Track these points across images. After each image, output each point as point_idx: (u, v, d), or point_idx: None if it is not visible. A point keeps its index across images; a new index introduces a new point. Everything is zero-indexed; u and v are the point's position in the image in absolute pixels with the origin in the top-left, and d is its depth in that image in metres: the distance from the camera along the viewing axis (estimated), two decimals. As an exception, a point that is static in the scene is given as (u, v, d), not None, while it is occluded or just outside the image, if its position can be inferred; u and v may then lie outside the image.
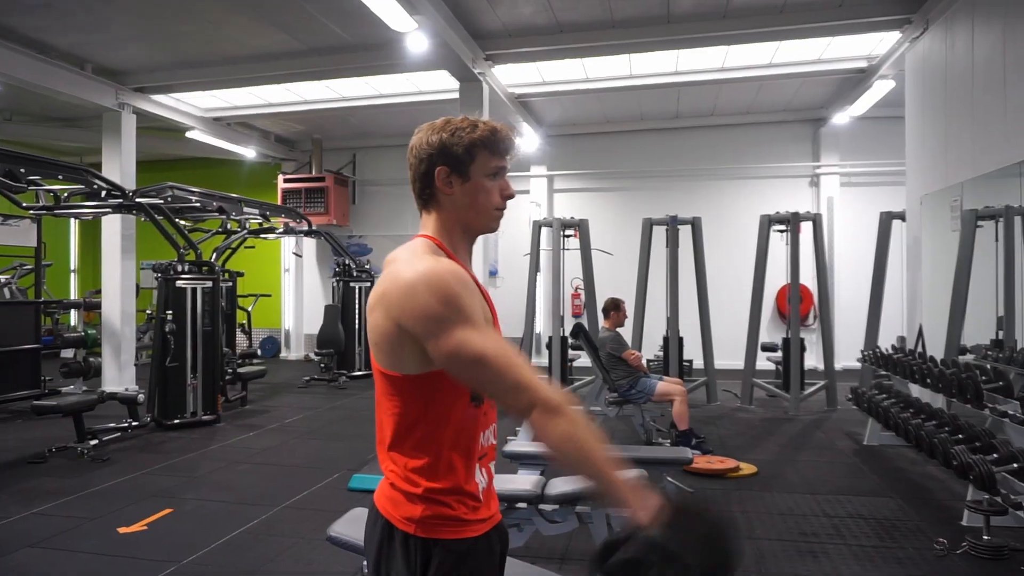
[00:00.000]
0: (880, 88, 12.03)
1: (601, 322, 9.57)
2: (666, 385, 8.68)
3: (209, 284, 10.45)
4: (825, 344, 11.51)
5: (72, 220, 18.99)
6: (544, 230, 12.47)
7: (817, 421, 10.31)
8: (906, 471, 7.65)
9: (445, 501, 1.99)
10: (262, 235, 14.82)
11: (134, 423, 9.42)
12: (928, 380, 6.96)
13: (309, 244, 18.16)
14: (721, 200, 15.63)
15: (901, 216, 10.47)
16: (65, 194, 10.20)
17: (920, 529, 5.83)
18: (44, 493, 6.98)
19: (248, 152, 16.86)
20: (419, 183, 2.13)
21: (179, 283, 10.16)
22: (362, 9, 8.82)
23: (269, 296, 17.61)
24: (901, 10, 9.62)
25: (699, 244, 11.98)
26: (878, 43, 11.11)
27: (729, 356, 13.30)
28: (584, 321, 11.52)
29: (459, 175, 2.08)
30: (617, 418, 8.89)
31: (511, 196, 2.19)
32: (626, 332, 9.61)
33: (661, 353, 12.42)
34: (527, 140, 15.37)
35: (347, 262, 15.30)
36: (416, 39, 9.62)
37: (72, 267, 20.33)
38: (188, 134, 14.97)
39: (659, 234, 12.04)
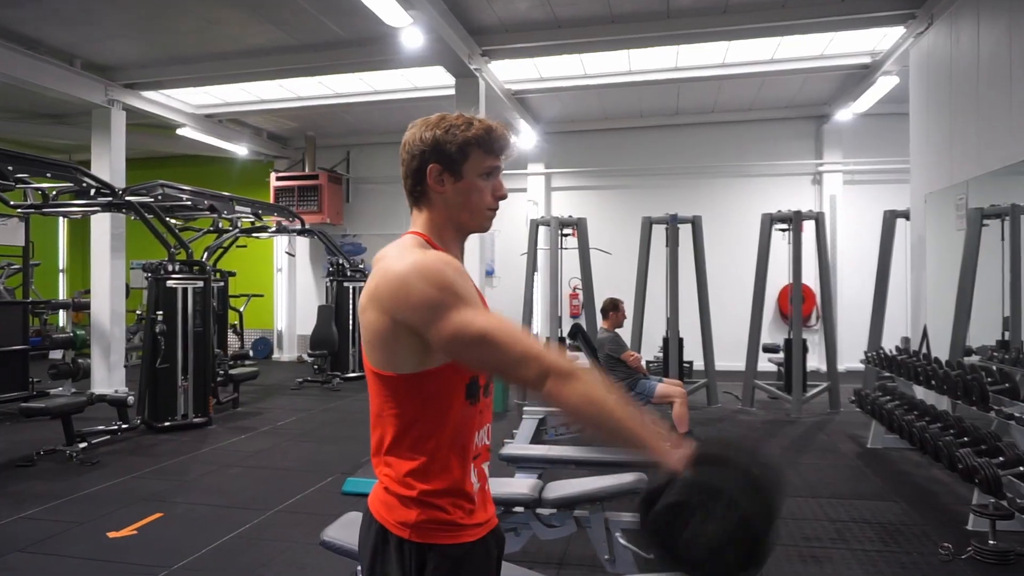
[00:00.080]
0: (884, 84, 12.04)
1: (600, 323, 9.57)
2: (666, 387, 8.68)
3: (200, 284, 10.43)
4: (828, 345, 11.50)
5: (61, 219, 18.99)
6: (542, 229, 12.47)
7: (820, 423, 10.30)
8: (910, 474, 7.64)
9: (440, 504, 1.99)
10: (254, 234, 14.79)
11: (124, 426, 9.38)
12: (933, 382, 6.95)
13: (302, 243, 18.15)
14: (722, 198, 15.64)
15: (905, 215, 10.47)
16: (54, 192, 10.20)
17: (925, 534, 5.82)
18: (32, 497, 6.96)
19: (240, 149, 16.87)
20: (411, 180, 2.12)
21: (170, 283, 10.14)
22: (356, 4, 8.81)
23: (261, 296, 17.61)
24: (905, 5, 9.62)
25: (699, 243, 11.98)
26: (882, 38, 11.13)
27: (730, 357, 13.30)
28: (582, 322, 11.53)
29: (451, 173, 2.07)
30: (616, 420, 8.87)
31: (504, 197, 2.18)
32: (625, 333, 9.61)
33: (661, 354, 12.41)
34: (524, 137, 15.38)
35: (341, 261, 15.27)
36: (411, 34, 9.62)
37: (61, 267, 20.32)
38: (179, 131, 14.96)
39: (659, 233, 12.03)
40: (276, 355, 18.73)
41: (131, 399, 9.52)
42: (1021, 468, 5.25)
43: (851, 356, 13.41)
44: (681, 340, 11.59)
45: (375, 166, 18.07)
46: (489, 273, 16.11)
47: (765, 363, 12.32)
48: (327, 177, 17.34)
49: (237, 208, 12.92)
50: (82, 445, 8.56)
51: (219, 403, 11.17)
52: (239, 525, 6.15)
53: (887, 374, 8.96)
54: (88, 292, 13.16)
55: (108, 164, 12.41)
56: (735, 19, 10.29)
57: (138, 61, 12.30)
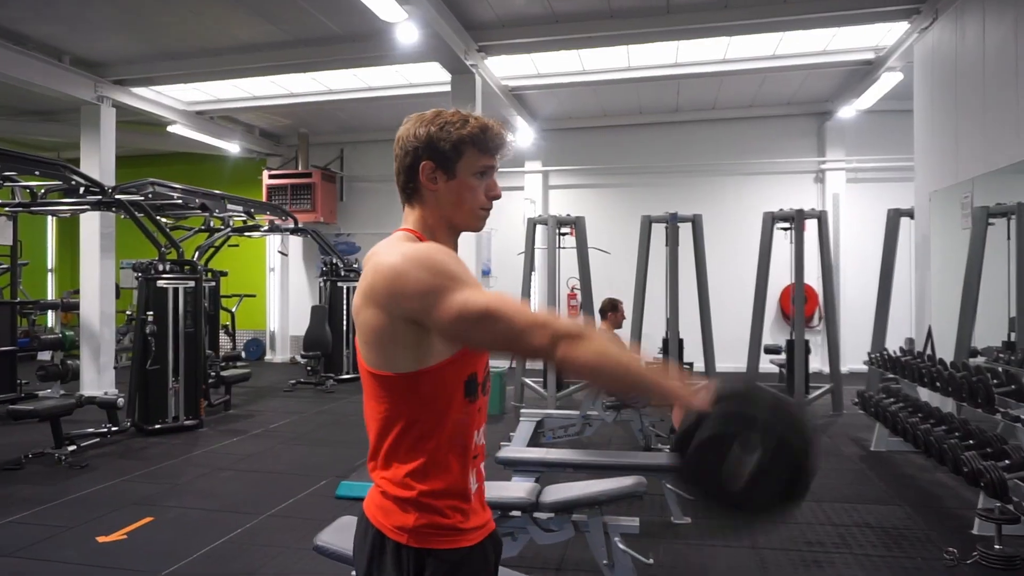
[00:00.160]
0: (888, 80, 12.06)
1: (598, 323, 9.56)
2: (666, 389, 8.65)
3: (191, 284, 10.41)
4: (830, 346, 11.49)
5: (49, 217, 18.97)
6: (539, 228, 12.47)
7: (822, 426, 10.29)
8: (915, 478, 7.65)
9: (438, 507, 1.99)
10: (246, 233, 14.79)
11: (114, 428, 9.37)
12: (937, 383, 6.95)
13: (295, 242, 18.16)
14: (723, 197, 15.65)
15: (909, 213, 10.48)
16: (42, 190, 10.19)
17: (929, 538, 5.82)
18: (20, 501, 6.95)
19: (232, 147, 16.87)
20: (403, 176, 2.12)
21: (160, 283, 10.11)
22: (350, -2, 8.83)
23: (254, 296, 17.61)
24: (909, 0, 9.64)
25: (700, 242, 11.96)
26: (886, 34, 11.13)
27: (731, 358, 13.30)
28: (581, 322, 11.51)
29: (444, 171, 2.07)
30: (615, 423, 8.86)
31: (497, 197, 2.17)
32: (624, 334, 9.61)
33: (660, 355, 12.42)
34: (522, 134, 15.38)
35: (334, 261, 15.26)
36: (406, 29, 9.62)
37: (49, 266, 20.29)
38: (170, 128, 14.96)
39: (658, 232, 12.01)
40: (268, 356, 18.74)
41: (121, 401, 9.49)
42: (1027, 471, 5.26)
43: (854, 357, 13.41)
44: (681, 341, 11.57)
45: (369, 164, 18.08)
46: (485, 273, 16.10)
47: (767, 364, 12.32)
48: (320, 175, 17.33)
49: (229, 207, 12.89)
50: (71, 448, 8.55)
51: (210, 405, 11.15)
52: (231, 529, 6.14)
53: (891, 376, 8.95)
54: (77, 292, 13.15)
55: (97, 162, 12.39)
56: (736, 14, 10.28)
57: (128, 57, 12.28)
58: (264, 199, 16.84)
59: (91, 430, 9.17)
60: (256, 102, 14.91)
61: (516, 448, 7.06)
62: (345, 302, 15.01)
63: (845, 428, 10.07)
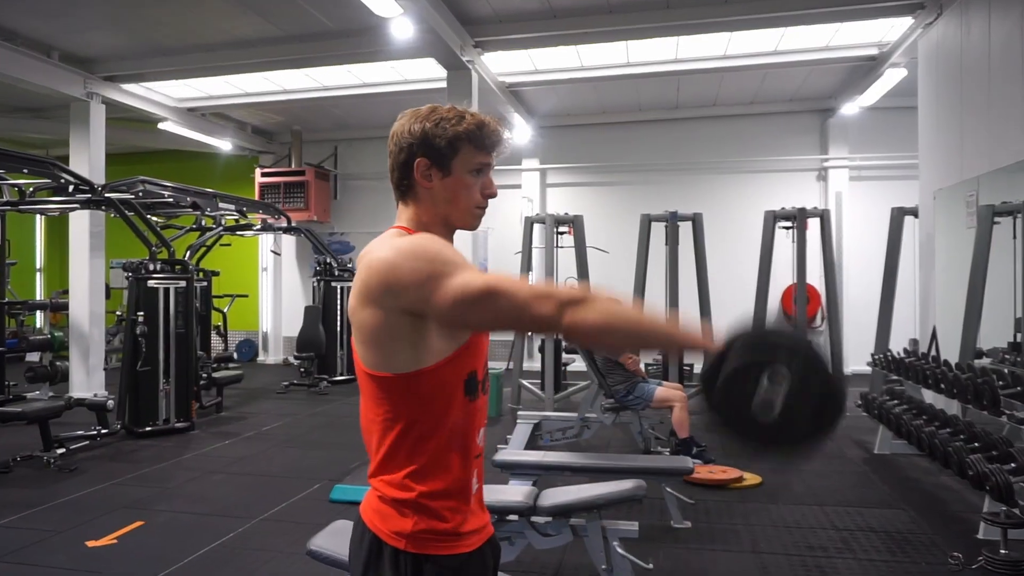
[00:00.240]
0: (891, 77, 12.07)
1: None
2: (665, 391, 8.65)
3: (182, 284, 10.39)
4: (833, 347, 11.46)
5: (38, 216, 18.94)
6: (537, 227, 12.45)
7: (825, 428, 10.26)
8: (919, 481, 7.65)
9: (438, 509, 1.99)
10: (238, 232, 14.80)
11: (103, 431, 9.34)
12: (942, 385, 6.95)
13: (288, 241, 18.16)
14: (723, 195, 15.66)
15: (914, 212, 10.47)
16: (30, 189, 10.20)
17: (934, 543, 5.82)
18: (8, 505, 6.94)
19: (224, 144, 16.86)
20: (397, 173, 2.12)
21: (151, 283, 10.10)
22: (344, -7, 8.83)
23: (246, 296, 17.58)
24: (913, -6, 9.66)
25: (700, 242, 11.95)
26: (889, 29, 11.14)
27: (732, 360, 13.31)
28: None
29: (439, 169, 2.07)
30: (614, 425, 8.86)
31: (493, 195, 2.17)
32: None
33: (660, 357, 12.41)
34: (519, 132, 15.39)
35: (328, 260, 15.25)
36: (401, 25, 9.63)
37: (38, 266, 20.25)
38: (160, 125, 14.94)
39: (658, 231, 12.01)
40: (261, 357, 18.72)
41: (111, 403, 9.48)
42: (1034, 474, 5.26)
43: (857, 358, 13.40)
44: (681, 342, 11.53)
45: (364, 162, 18.07)
46: (482, 272, 16.09)
47: (768, 366, 12.32)
48: (314, 173, 17.32)
49: (221, 205, 12.87)
50: (60, 451, 8.53)
51: (202, 407, 11.15)
52: (223, 534, 6.13)
53: (895, 377, 8.94)
54: (66, 292, 13.13)
55: (87, 160, 12.35)
56: (737, 9, 10.28)
57: (118, 53, 12.28)
58: (256, 197, 16.85)
59: (80, 433, 9.15)
60: (249, 99, 14.90)
61: (513, 451, 7.06)
62: (339, 302, 15.01)
63: (848, 430, 10.06)
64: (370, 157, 17.91)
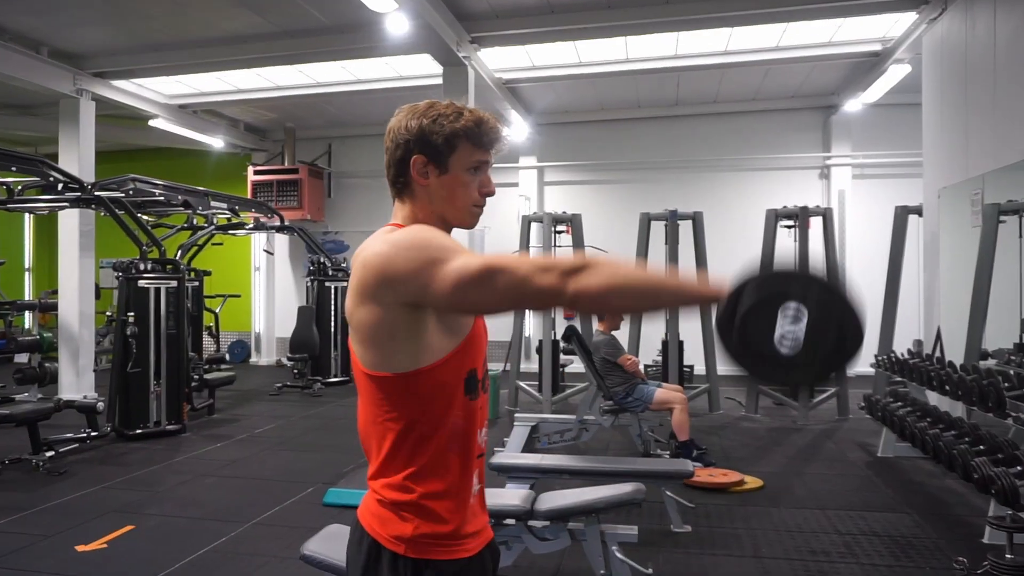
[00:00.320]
0: (895, 73, 12.07)
1: (595, 325, 9.55)
2: (665, 392, 8.66)
3: (174, 284, 10.37)
4: (836, 348, 11.47)
5: (26, 215, 18.92)
6: (534, 225, 12.44)
7: (827, 431, 10.30)
8: (923, 485, 7.65)
9: (439, 511, 1.98)
10: (231, 231, 14.79)
11: (93, 433, 9.35)
12: (947, 387, 6.94)
13: (281, 241, 18.17)
14: (724, 193, 15.66)
15: (918, 211, 10.48)
16: (19, 187, 10.16)
17: (938, 547, 5.83)
18: (-5, 509, 6.97)
19: (216, 142, 16.84)
20: (393, 169, 2.11)
21: (141, 283, 10.09)
22: (339, -13, 8.82)
23: (238, 297, 17.60)
24: (917, -11, 9.66)
25: (700, 241, 11.97)
26: (893, 24, 11.15)
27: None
28: (577, 324, 11.49)
29: (436, 166, 2.06)
30: (613, 428, 8.86)
31: (491, 193, 2.17)
32: (622, 335, 9.58)
33: (660, 358, 12.41)
34: (516, 129, 15.39)
35: (322, 260, 15.25)
36: (396, 20, 9.62)
37: (27, 265, 20.24)
38: (151, 122, 14.93)
39: (657, 230, 12.02)
40: (254, 359, 18.73)
41: (101, 405, 9.47)
42: (1040, 477, 5.26)
43: (861, 360, 13.40)
44: (681, 343, 11.57)
45: (358, 159, 18.08)
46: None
47: (770, 367, 12.33)
48: (307, 171, 17.32)
49: (213, 203, 12.87)
50: (49, 454, 8.52)
51: (193, 409, 11.14)
52: (214, 538, 6.12)
53: (898, 379, 8.94)
54: (55, 292, 13.12)
55: (76, 157, 12.37)
56: (738, 4, 10.28)
57: (108, 48, 12.28)
58: (249, 195, 16.87)
59: (70, 435, 9.15)
60: (241, 95, 14.87)
61: (510, 454, 7.07)
62: (333, 302, 15.02)
63: (851, 433, 10.08)
64: (365, 155, 17.91)
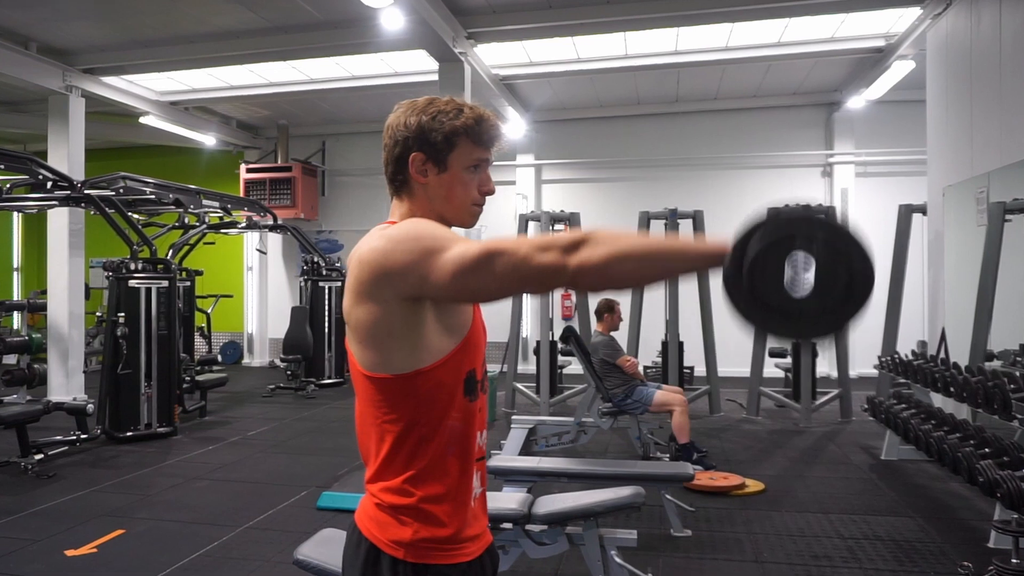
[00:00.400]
0: (899, 69, 12.07)
1: (594, 325, 9.55)
2: (665, 394, 8.66)
3: (165, 284, 10.37)
4: (838, 349, 11.50)
5: (15, 214, 18.90)
6: (531, 224, 12.44)
7: (830, 434, 10.31)
8: (927, 488, 7.66)
9: (438, 514, 1.98)
10: (223, 230, 14.77)
11: (83, 436, 9.34)
12: (951, 389, 6.94)
13: (274, 240, 18.13)
14: (725, 192, 15.64)
15: (922, 209, 10.48)
16: (7, 185, 10.14)
17: (943, 552, 5.83)
18: (-18, 513, 6.96)
19: (208, 139, 16.83)
20: (392, 167, 2.11)
21: (132, 283, 10.09)
22: (333, -18, 8.81)
23: (231, 297, 17.59)
24: (922, -16, 9.67)
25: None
26: (897, 20, 11.15)
27: (734, 363, 13.32)
28: (575, 324, 11.50)
29: (436, 164, 2.06)
30: (612, 430, 8.87)
31: (490, 192, 2.17)
32: (621, 336, 9.58)
33: (659, 359, 12.41)
34: (513, 126, 15.40)
35: (316, 259, 15.22)
36: (391, 15, 9.61)
37: (15, 265, 20.18)
38: (142, 119, 14.92)
39: (657, 229, 11.99)
40: (246, 360, 18.70)
41: (91, 407, 9.46)
42: (1046, 481, 5.26)
43: (864, 361, 13.41)
44: (681, 344, 11.57)
45: (352, 157, 18.06)
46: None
47: (771, 369, 12.34)
48: (301, 169, 17.30)
49: (204, 202, 12.87)
50: (38, 457, 8.52)
51: (185, 412, 11.13)
52: (206, 542, 6.12)
53: (902, 380, 8.94)
54: (44, 292, 13.11)
55: (66, 155, 12.36)
56: (739, -1, 10.30)
57: (98, 44, 12.24)
58: (242, 194, 16.84)
59: (59, 438, 9.15)
60: (233, 92, 14.88)
61: (507, 457, 7.07)
62: (327, 303, 15.00)
63: (854, 436, 10.08)
64: (359, 152, 17.92)
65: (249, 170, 17.47)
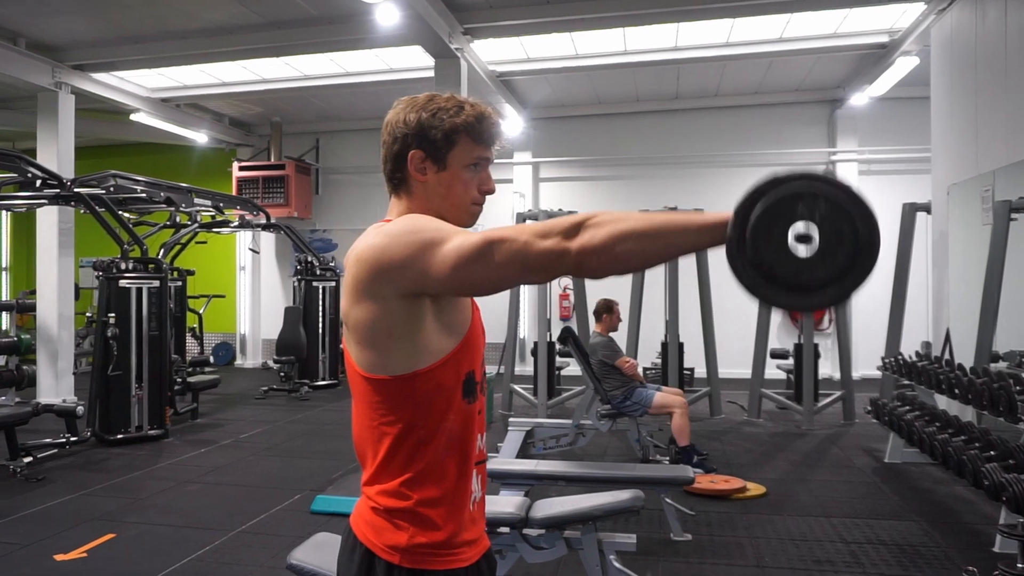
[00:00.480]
0: (903, 65, 12.08)
1: (592, 326, 9.55)
2: (665, 396, 8.66)
3: (156, 284, 10.35)
4: (841, 351, 11.51)
5: (3, 212, 18.88)
6: (529, 223, 12.44)
7: (832, 436, 10.31)
8: (932, 492, 7.66)
9: (435, 518, 1.98)
10: (215, 229, 14.78)
11: (72, 438, 9.31)
12: (956, 390, 6.94)
13: (267, 239, 18.14)
14: (726, 190, 15.49)
15: (926, 208, 10.49)
16: (-5, 183, 10.15)
17: (947, 556, 5.83)
18: (-30, 518, 6.95)
19: (199, 137, 16.83)
20: (390, 164, 2.11)
21: (123, 282, 10.06)
22: (327, -23, 8.81)
23: (223, 297, 17.56)
24: (926, -21, 9.67)
25: (702, 239, 11.90)
26: (901, 15, 11.16)
27: (735, 363, 13.32)
28: (573, 325, 11.49)
29: (435, 162, 2.06)
30: (610, 433, 8.88)
31: (491, 191, 2.17)
32: (620, 337, 9.58)
33: (659, 361, 12.41)
34: (510, 123, 15.39)
35: (309, 259, 15.21)
36: (386, 10, 9.61)
37: (3, 265, 20.16)
38: (133, 117, 14.92)
39: (657, 228, 11.95)
40: (239, 361, 18.70)
41: (80, 409, 9.43)
42: (1052, 484, 5.26)
43: (867, 362, 13.43)
44: (681, 345, 11.58)
45: (347, 155, 18.06)
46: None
47: (773, 370, 12.34)
48: (294, 167, 17.28)
49: (196, 201, 12.86)
50: (27, 460, 8.50)
51: (176, 414, 11.13)
52: (198, 547, 6.11)
53: (906, 382, 8.94)
54: (33, 292, 13.10)
55: (55, 153, 12.33)
56: (740, -6, 10.29)
57: (88, 40, 12.23)
58: (234, 192, 16.83)
59: (48, 440, 9.13)
60: (225, 89, 14.88)
61: (504, 459, 7.06)
62: (321, 303, 14.99)
63: (857, 438, 10.09)
64: (353, 150, 17.91)
65: (242, 168, 17.46)
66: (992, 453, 5.95)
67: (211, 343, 18.43)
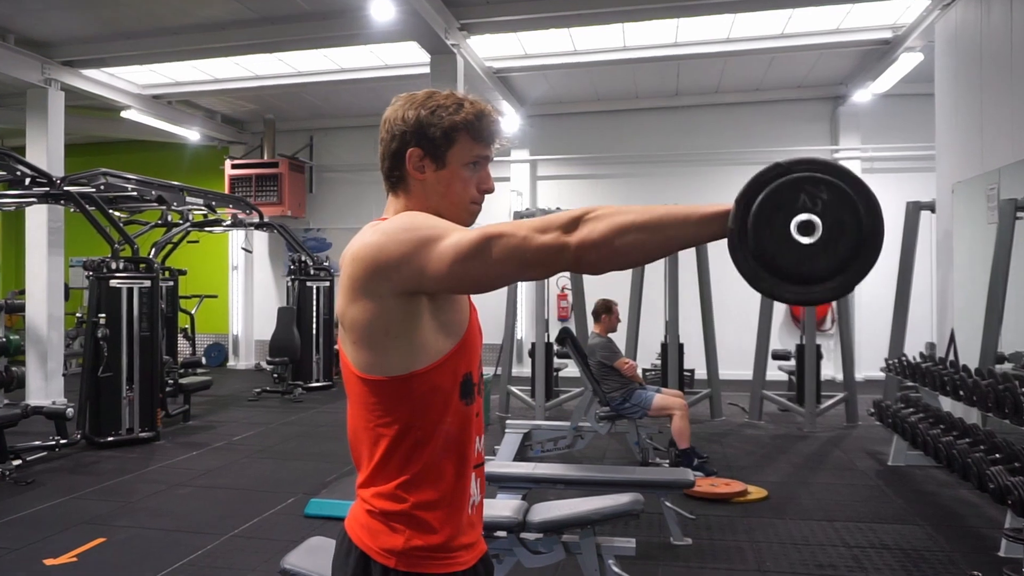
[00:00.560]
0: (907, 62, 12.08)
1: (591, 327, 9.55)
2: (664, 398, 8.65)
3: (147, 284, 10.35)
4: (844, 352, 11.51)
5: (-9, 211, 18.93)
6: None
7: (835, 439, 10.31)
8: (936, 495, 7.66)
9: (431, 521, 1.97)
10: (207, 228, 14.76)
11: (62, 441, 9.29)
12: (961, 392, 6.95)
13: (260, 238, 18.12)
14: (726, 188, 15.48)
15: (930, 206, 10.50)
16: (-17, 181, 10.15)
17: (952, 560, 5.83)
18: (-43, 522, 6.94)
19: (191, 134, 16.83)
20: (388, 162, 2.10)
21: (113, 282, 10.06)
22: (321, -29, 8.80)
23: (215, 297, 17.54)
24: (930, -26, 9.68)
25: (702, 238, 11.90)
26: (904, 10, 11.16)
27: (736, 365, 13.32)
28: (572, 325, 11.50)
29: (433, 160, 2.05)
30: (609, 435, 8.87)
31: (490, 190, 2.17)
32: (619, 338, 9.58)
33: (659, 362, 12.41)
34: (508, 121, 15.35)
35: (303, 258, 15.22)
36: (381, 6, 9.61)
37: (-9, 264, 20.20)
38: (123, 114, 14.91)
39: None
40: (231, 362, 18.71)
41: (70, 411, 9.42)
42: (1058, 487, 5.26)
43: (870, 364, 13.43)
44: (681, 346, 11.57)
45: (341, 153, 18.05)
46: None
47: (775, 372, 12.34)
48: (288, 165, 17.27)
49: (188, 199, 12.85)
50: (16, 462, 8.49)
51: (168, 416, 11.10)
52: (190, 551, 6.11)
53: (910, 384, 8.94)
54: (22, 292, 13.08)
55: (45, 150, 12.32)
56: (742, -11, 10.29)
57: (78, 36, 12.23)
58: (226, 191, 16.79)
59: (38, 443, 9.11)
60: (218, 85, 14.87)
61: (502, 462, 7.05)
62: (315, 303, 14.99)
63: (860, 441, 10.09)
64: (348, 148, 17.88)
65: (234, 166, 17.46)
66: (997, 456, 5.96)
67: (203, 344, 18.42)
